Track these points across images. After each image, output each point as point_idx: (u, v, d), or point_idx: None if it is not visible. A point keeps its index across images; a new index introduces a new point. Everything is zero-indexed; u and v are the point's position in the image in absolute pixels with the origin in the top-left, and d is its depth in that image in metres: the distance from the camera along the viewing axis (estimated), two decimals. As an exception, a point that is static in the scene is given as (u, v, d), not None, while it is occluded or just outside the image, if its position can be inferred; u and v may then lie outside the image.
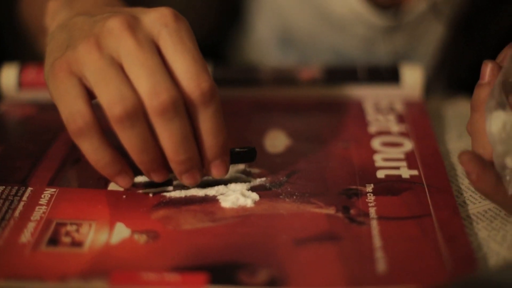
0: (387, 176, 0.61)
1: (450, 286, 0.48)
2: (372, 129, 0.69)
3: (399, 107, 0.73)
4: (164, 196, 0.58)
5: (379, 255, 0.51)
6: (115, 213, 0.56)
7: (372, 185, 0.60)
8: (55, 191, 0.59)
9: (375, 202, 0.57)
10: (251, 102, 0.75)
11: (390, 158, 0.64)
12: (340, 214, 0.56)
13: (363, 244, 0.53)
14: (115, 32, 0.53)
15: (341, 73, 0.76)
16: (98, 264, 0.51)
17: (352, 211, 0.56)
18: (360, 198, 0.58)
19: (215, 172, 0.57)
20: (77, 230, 0.54)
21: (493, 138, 0.54)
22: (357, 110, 0.73)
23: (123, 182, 0.56)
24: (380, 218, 0.55)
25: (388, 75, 0.75)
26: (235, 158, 0.59)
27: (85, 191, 0.59)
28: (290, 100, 0.75)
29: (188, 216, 0.56)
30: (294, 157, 0.64)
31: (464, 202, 0.59)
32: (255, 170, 0.62)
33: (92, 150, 0.54)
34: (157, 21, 0.54)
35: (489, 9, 0.84)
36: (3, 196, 0.58)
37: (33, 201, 0.57)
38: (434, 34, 0.88)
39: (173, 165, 0.55)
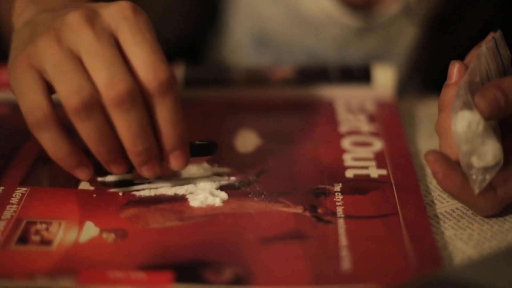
0: (355, 175, 0.61)
1: (414, 284, 0.48)
2: (342, 128, 0.69)
3: (370, 107, 0.73)
4: (134, 195, 0.58)
5: (345, 253, 0.52)
6: (84, 212, 0.56)
7: (340, 184, 0.60)
8: (26, 190, 0.59)
9: (342, 201, 0.58)
10: (223, 102, 0.75)
11: (360, 157, 0.64)
12: (307, 213, 0.56)
13: (329, 243, 0.53)
14: (74, 25, 0.54)
15: (313, 73, 0.76)
16: (66, 262, 0.51)
17: (319, 210, 0.57)
18: (328, 197, 0.58)
19: (175, 163, 0.56)
20: (47, 229, 0.54)
21: (458, 138, 0.54)
22: (328, 110, 0.73)
23: (82, 174, 0.57)
24: (347, 217, 0.56)
25: (360, 75, 0.76)
26: (195, 151, 0.58)
27: (56, 190, 0.59)
28: (262, 100, 0.75)
29: (157, 215, 0.56)
30: (264, 156, 0.64)
31: (432, 201, 0.59)
32: (225, 169, 0.62)
33: (51, 142, 0.55)
34: (116, 14, 0.55)
35: (461, 10, 0.85)
36: (-25, 196, 0.58)
37: (4, 200, 0.58)
38: (407, 35, 0.88)
39: (131, 156, 0.55)
